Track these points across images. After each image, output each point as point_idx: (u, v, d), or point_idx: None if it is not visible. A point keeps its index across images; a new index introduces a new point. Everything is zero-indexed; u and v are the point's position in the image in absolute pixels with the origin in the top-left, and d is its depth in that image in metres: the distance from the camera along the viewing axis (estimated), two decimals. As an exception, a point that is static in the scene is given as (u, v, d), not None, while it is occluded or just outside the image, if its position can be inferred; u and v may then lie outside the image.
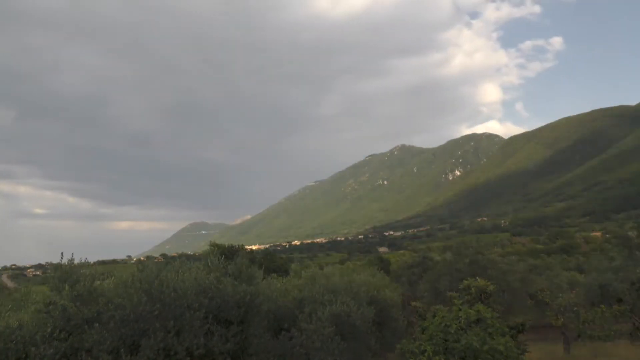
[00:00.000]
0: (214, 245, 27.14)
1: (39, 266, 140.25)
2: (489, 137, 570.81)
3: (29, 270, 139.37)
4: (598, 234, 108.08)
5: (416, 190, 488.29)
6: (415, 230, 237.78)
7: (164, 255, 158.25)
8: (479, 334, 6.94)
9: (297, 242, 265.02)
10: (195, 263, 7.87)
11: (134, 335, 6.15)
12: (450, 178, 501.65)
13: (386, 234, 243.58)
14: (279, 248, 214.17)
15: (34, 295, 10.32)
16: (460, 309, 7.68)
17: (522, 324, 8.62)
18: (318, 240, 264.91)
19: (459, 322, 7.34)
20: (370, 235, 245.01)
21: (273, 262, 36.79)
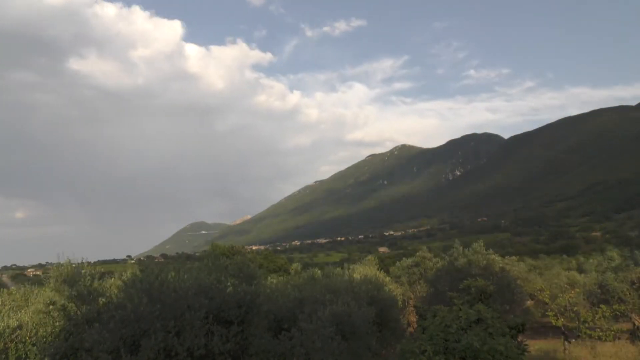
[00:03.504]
0: (215, 245, 27.19)
1: (39, 266, 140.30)
2: (490, 137, 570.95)
3: (29, 270, 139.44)
4: (598, 234, 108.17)
5: (416, 191, 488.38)
6: (415, 230, 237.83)
7: (164, 255, 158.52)
8: (479, 334, 6.93)
9: (297, 242, 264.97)
10: (196, 263, 7.87)
11: (135, 335, 6.15)
12: (450, 178, 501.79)
13: (386, 234, 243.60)
14: (279, 248, 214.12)
15: (34, 295, 10.33)
16: (460, 309, 7.67)
17: (522, 324, 8.60)
18: (318, 240, 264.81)
19: (459, 322, 7.33)
20: (370, 235, 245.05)
21: (273, 262, 36.84)
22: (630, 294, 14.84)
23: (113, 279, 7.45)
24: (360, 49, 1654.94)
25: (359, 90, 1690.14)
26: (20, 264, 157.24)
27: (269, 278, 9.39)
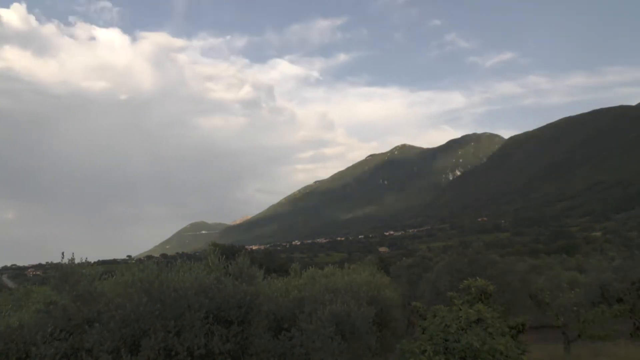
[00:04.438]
0: (215, 245, 27.14)
1: (39, 266, 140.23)
2: (490, 137, 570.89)
3: (29, 269, 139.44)
4: (598, 233, 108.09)
5: (416, 190, 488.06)
6: (415, 230, 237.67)
7: (164, 255, 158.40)
8: (479, 334, 6.93)
9: (297, 242, 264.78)
10: (196, 263, 7.87)
11: (135, 335, 6.15)
12: (450, 178, 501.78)
13: (386, 234, 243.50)
14: (279, 248, 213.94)
15: (34, 295, 10.31)
16: (460, 309, 7.67)
17: (522, 324, 8.61)
18: (318, 240, 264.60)
19: (459, 322, 7.33)
20: (370, 235, 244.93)
21: (273, 262, 36.87)
22: (630, 294, 14.82)
23: (113, 278, 7.43)
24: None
25: (288, 68, 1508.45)
26: (19, 263, 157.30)
27: (268, 278, 9.38)
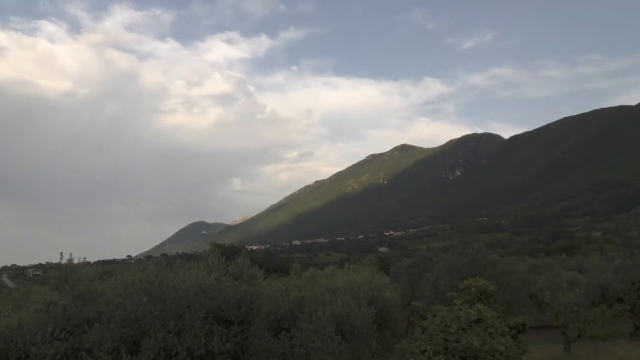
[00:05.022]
0: (215, 245, 27.18)
1: (39, 266, 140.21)
2: (490, 137, 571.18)
3: (29, 270, 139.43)
4: (598, 233, 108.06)
5: (416, 190, 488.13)
6: (415, 230, 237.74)
7: (164, 255, 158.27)
8: (479, 334, 6.93)
9: (297, 242, 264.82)
10: (196, 263, 7.87)
11: (135, 335, 6.15)
12: (451, 178, 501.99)
13: (386, 234, 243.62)
14: (279, 248, 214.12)
15: (34, 295, 10.30)
16: (460, 309, 7.66)
17: (522, 324, 8.62)
18: (318, 240, 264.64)
19: (459, 322, 7.33)
20: (370, 235, 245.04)
21: (273, 262, 36.89)
22: (630, 294, 14.81)
23: (113, 278, 7.43)
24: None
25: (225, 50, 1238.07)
26: (20, 263, 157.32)
27: (269, 278, 9.39)
